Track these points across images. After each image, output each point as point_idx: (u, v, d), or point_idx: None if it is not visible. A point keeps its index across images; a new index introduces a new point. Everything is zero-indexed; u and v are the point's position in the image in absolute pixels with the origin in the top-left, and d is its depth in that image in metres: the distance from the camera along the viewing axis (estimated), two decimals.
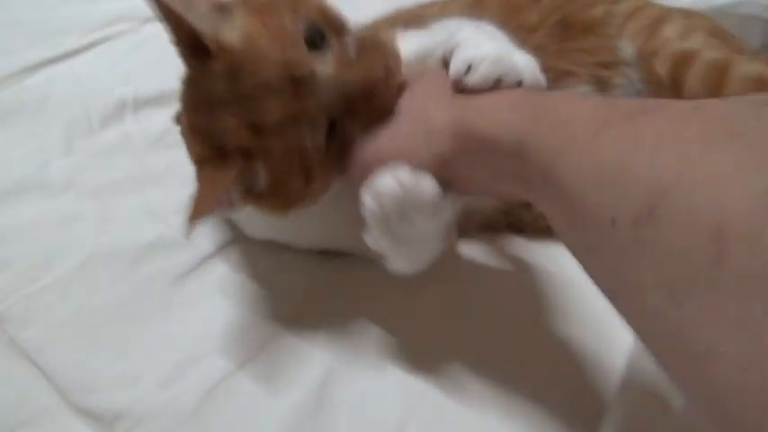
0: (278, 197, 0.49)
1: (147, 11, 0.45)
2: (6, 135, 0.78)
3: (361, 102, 0.47)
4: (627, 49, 0.64)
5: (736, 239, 0.26)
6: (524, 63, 0.46)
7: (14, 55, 0.89)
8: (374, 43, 0.50)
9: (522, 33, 0.63)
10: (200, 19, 0.46)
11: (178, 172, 0.70)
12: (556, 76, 0.63)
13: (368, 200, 0.46)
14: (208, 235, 0.66)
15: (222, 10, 0.48)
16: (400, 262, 0.50)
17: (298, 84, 0.45)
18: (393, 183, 0.45)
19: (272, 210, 0.51)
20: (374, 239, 0.48)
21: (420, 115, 0.48)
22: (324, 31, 0.47)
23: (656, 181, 0.30)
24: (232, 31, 0.46)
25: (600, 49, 0.64)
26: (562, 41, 0.64)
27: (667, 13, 0.66)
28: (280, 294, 0.61)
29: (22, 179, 0.72)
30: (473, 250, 0.64)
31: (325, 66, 0.46)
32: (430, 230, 0.48)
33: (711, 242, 0.27)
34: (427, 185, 0.45)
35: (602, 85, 0.64)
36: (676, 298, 0.29)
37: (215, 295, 0.61)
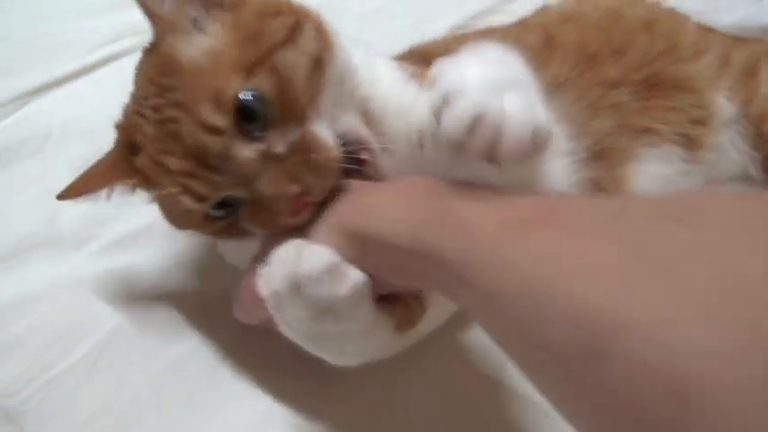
0: (168, 217, 0.49)
1: None
2: (7, 178, 0.69)
3: (263, 208, 0.43)
4: (725, 108, 0.58)
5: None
6: (515, 112, 0.37)
7: (5, 78, 0.78)
8: (314, 144, 0.43)
9: (598, 89, 0.56)
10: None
11: None
12: (635, 135, 0.56)
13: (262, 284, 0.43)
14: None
15: (209, 7, 0.45)
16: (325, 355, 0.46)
17: (203, 154, 0.42)
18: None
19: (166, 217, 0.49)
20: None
21: (328, 219, 0.44)
22: (265, 112, 0.42)
23: (599, 318, 0.28)
24: (187, 45, 0.44)
25: (690, 106, 0.58)
26: (647, 99, 0.57)
27: (750, 56, 0.61)
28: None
29: (30, 235, 0.64)
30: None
31: (243, 151, 0.42)
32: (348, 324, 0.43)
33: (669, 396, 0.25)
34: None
35: (692, 145, 0.58)
36: None
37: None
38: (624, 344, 0.26)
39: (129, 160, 0.46)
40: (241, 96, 0.41)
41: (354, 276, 0.41)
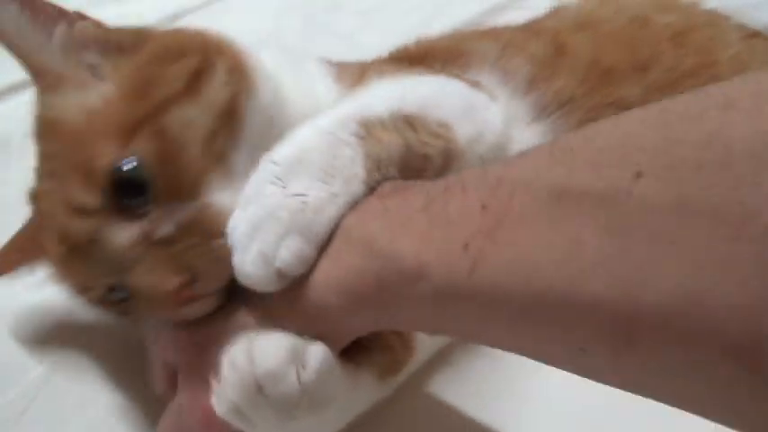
0: None
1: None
2: None
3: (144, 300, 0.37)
4: None
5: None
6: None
7: None
8: (212, 222, 0.37)
9: (611, 110, 0.48)
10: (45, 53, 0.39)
11: None
12: None
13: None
14: None
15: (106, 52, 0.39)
16: None
17: (71, 239, 0.37)
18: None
19: None
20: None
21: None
22: (148, 185, 0.36)
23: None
24: (71, 102, 0.38)
25: None
26: None
27: None
28: None
29: None
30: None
31: (117, 236, 0.36)
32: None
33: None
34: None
35: None
36: None
37: None
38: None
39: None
40: (117, 167, 0.35)
41: (316, 351, 0.35)
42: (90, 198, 0.36)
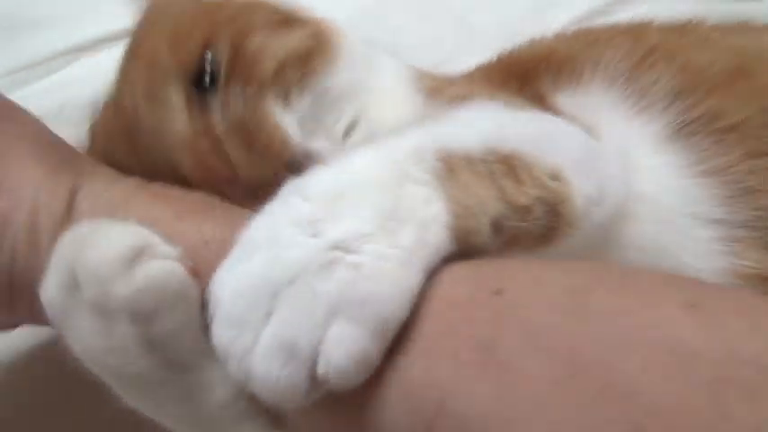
0: None
1: None
2: None
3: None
4: None
5: None
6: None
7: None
8: (259, 125, 0.36)
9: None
10: None
11: None
12: None
13: None
14: None
15: None
16: None
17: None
18: None
19: None
20: None
21: None
22: (218, 77, 0.37)
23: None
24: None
25: None
26: None
27: None
28: None
29: None
30: None
31: (176, 120, 0.37)
32: None
33: None
34: None
35: None
36: None
37: None
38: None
39: None
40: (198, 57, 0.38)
41: (161, 265, 0.28)
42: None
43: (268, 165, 0.35)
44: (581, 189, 0.31)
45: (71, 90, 0.60)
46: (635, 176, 0.37)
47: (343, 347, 0.22)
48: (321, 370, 0.22)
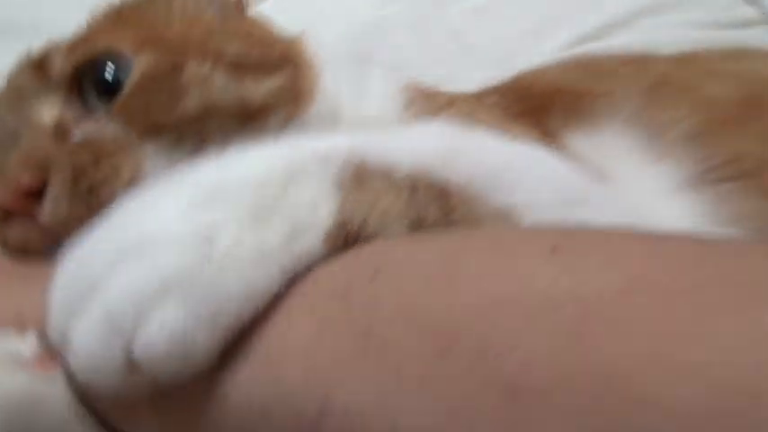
0: None
1: None
2: None
3: None
4: None
5: None
6: None
7: None
8: (103, 154, 0.32)
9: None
10: None
11: None
12: None
13: None
14: None
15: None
16: None
17: None
18: None
19: None
20: None
21: None
22: (119, 90, 0.33)
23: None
24: None
25: None
26: None
27: None
28: None
29: None
30: None
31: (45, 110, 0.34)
32: None
33: None
34: None
35: None
36: None
37: None
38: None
39: None
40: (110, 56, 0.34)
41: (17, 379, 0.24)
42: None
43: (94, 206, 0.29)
44: None
45: None
46: (652, 225, 0.33)
47: (160, 324, 0.21)
48: (136, 347, 0.21)
